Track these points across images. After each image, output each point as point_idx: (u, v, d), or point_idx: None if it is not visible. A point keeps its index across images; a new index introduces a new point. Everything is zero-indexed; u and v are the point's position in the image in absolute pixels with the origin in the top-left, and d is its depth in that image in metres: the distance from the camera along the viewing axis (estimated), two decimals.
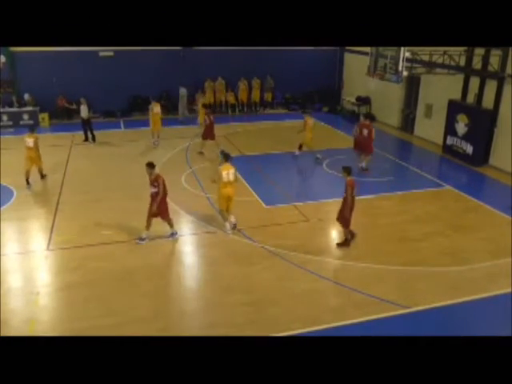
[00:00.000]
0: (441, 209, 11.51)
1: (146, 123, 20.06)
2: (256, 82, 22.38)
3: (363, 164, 14.11)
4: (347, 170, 9.36)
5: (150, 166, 9.40)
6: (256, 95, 22.39)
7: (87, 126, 17.04)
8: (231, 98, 22.10)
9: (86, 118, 16.88)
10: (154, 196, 9.38)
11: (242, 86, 21.27)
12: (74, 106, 18.90)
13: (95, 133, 17.17)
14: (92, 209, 11.34)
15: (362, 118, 14.77)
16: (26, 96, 19.61)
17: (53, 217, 10.80)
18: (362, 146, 14.31)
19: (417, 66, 15.23)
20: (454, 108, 15.67)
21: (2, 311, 7.36)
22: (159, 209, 9.42)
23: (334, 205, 12.04)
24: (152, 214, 9.50)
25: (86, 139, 17.06)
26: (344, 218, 9.43)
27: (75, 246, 9.46)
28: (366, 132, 14.02)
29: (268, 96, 22.77)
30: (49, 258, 9.10)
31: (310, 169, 14.88)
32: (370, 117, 15.37)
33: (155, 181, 9.34)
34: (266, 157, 15.68)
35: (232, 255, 9.22)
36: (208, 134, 15.56)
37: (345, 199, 9.32)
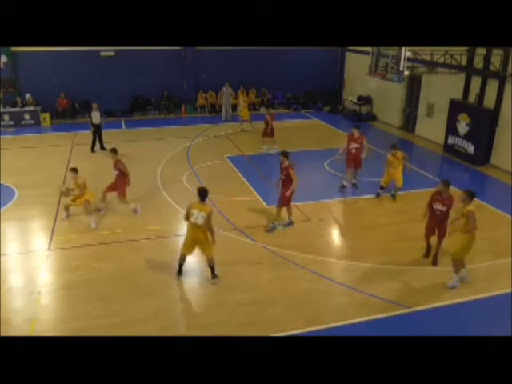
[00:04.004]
0: None
1: (146, 123, 20.16)
2: (252, 93, 22.57)
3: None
4: (285, 154, 10.06)
5: None
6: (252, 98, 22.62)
7: (97, 134, 15.90)
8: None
9: (98, 124, 15.87)
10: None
11: (243, 103, 19.65)
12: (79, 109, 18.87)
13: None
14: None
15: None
16: (28, 96, 19.65)
17: (54, 216, 10.81)
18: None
19: (418, 65, 15.23)
20: (456, 107, 15.65)
21: (2, 311, 7.38)
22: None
23: (336, 205, 12.10)
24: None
25: (93, 149, 15.94)
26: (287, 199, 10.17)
27: (76, 246, 9.48)
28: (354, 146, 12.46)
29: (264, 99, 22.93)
30: (50, 258, 9.11)
31: (310, 169, 14.87)
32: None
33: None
34: (267, 156, 15.68)
35: (233, 255, 9.22)
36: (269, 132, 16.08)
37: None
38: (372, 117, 21.08)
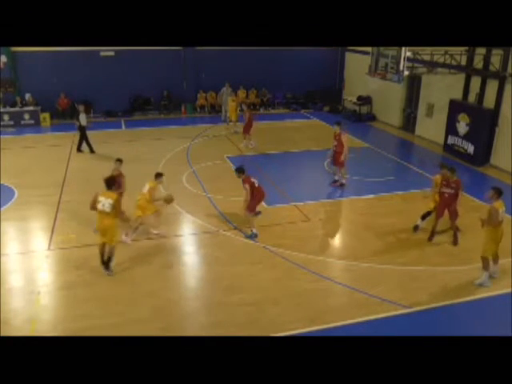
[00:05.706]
0: None
1: (146, 123, 20.15)
2: (252, 93, 22.62)
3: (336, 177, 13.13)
4: (238, 171, 9.84)
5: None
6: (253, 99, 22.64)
7: (83, 135, 15.76)
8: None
9: (84, 126, 15.70)
10: None
11: (231, 102, 19.12)
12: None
13: (94, 133, 16.46)
14: None
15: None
16: (28, 96, 19.65)
17: (54, 216, 10.81)
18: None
19: (418, 65, 15.22)
20: (455, 107, 15.65)
21: (2, 311, 7.37)
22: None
23: (335, 205, 12.11)
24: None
25: (91, 149, 15.81)
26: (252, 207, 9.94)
27: (76, 246, 9.47)
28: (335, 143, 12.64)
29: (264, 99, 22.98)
30: (49, 258, 9.11)
31: (310, 168, 14.89)
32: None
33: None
34: (267, 156, 15.69)
35: (233, 255, 9.23)
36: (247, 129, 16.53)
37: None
38: (372, 117, 21.08)
